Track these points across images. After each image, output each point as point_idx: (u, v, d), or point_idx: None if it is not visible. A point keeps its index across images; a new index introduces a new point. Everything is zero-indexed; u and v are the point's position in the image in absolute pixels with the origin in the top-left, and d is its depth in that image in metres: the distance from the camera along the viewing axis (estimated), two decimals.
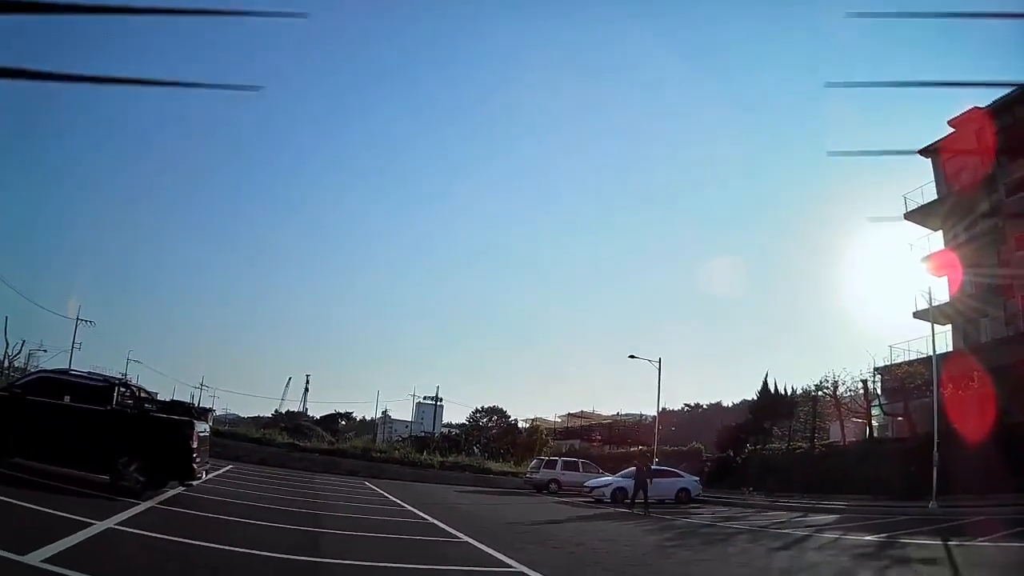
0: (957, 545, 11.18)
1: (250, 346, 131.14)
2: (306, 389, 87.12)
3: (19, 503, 7.67)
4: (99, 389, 10.45)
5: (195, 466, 10.43)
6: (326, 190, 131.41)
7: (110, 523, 7.33)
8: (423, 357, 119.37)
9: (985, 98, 27.00)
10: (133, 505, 8.84)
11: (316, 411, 73.80)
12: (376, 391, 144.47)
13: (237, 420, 72.84)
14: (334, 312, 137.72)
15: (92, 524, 7.00)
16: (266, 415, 75.11)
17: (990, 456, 18.87)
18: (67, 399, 9.97)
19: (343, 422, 66.54)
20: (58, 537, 6.04)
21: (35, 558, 5.25)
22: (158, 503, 9.61)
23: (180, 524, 8.32)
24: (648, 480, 20.57)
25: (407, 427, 72.77)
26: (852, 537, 12.71)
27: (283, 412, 75.63)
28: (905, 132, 75.03)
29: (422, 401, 77.30)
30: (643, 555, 10.12)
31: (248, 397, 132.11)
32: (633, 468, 22.15)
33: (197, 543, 7.11)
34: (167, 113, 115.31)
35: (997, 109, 26.47)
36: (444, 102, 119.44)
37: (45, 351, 47.48)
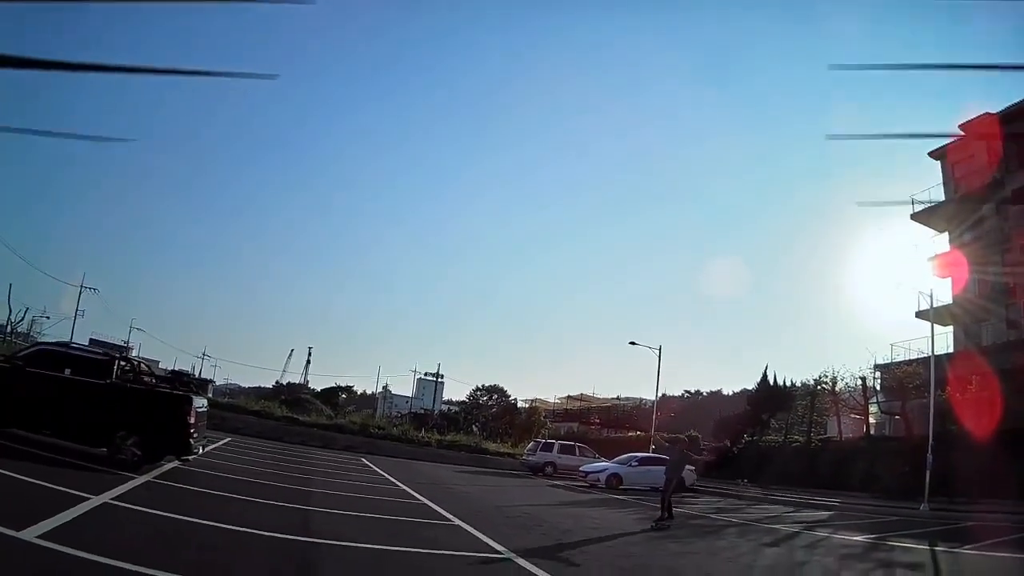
0: (944, 552, 11.26)
1: (253, 317, 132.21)
2: (308, 361, 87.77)
3: (16, 475, 7.77)
4: (98, 362, 10.53)
5: (192, 441, 10.52)
6: (336, 171, 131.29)
7: (106, 497, 7.43)
8: (426, 333, 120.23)
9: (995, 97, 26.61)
10: (130, 479, 8.96)
11: (317, 383, 74.43)
12: (378, 366, 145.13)
13: (238, 390, 73.49)
14: (339, 286, 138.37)
15: (88, 498, 7.10)
16: (267, 386, 75.92)
17: (992, 459, 18.78)
18: (67, 372, 10.04)
19: (343, 396, 66.94)
20: (54, 512, 6.12)
21: (30, 534, 5.31)
22: (154, 477, 9.72)
23: (175, 499, 8.44)
24: (682, 467, 13.85)
25: (408, 402, 73.37)
26: (841, 536, 12.78)
27: (284, 384, 76.27)
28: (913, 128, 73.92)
29: (423, 377, 77.88)
30: (631, 544, 10.22)
31: (250, 368, 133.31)
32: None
33: (190, 519, 7.20)
34: (176, 90, 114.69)
35: (1008, 115, 26.05)
36: (454, 89, 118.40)
37: (48, 318, 47.90)
